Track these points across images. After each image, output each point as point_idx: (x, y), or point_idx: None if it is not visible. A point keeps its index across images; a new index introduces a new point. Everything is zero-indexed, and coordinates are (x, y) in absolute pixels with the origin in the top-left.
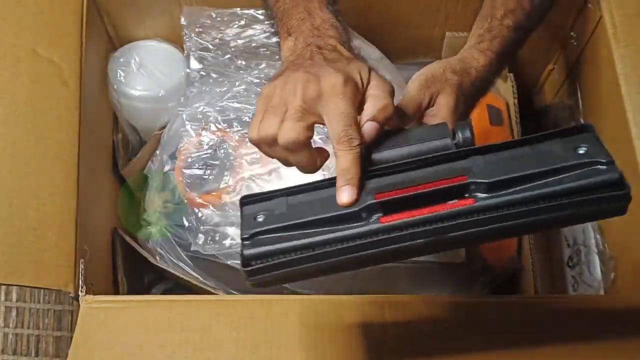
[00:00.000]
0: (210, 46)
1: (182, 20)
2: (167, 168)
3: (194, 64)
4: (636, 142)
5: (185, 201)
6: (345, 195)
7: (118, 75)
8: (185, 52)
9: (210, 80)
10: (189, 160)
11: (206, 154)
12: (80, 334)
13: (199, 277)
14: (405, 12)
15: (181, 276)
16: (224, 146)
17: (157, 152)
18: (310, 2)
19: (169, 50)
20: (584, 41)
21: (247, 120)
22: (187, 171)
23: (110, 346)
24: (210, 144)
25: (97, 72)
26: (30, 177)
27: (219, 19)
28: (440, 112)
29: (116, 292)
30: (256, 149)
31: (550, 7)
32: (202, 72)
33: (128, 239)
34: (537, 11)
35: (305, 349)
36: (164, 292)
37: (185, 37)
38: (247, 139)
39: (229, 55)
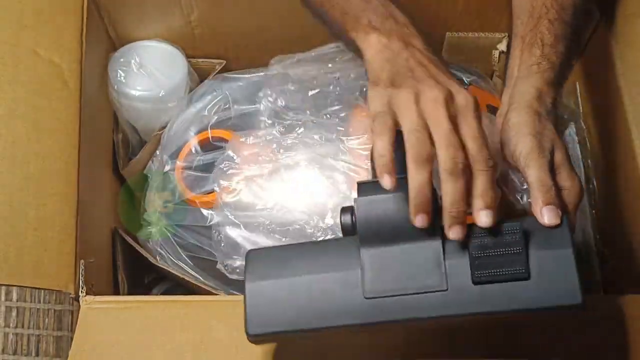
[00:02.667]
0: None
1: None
2: (167, 168)
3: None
4: (636, 142)
5: (185, 201)
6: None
7: (118, 75)
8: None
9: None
10: (190, 160)
11: (207, 154)
12: (81, 334)
13: (199, 277)
14: (405, 13)
15: (181, 276)
16: (225, 146)
17: (158, 152)
18: None
19: (169, 50)
20: (584, 41)
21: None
22: (188, 171)
23: (110, 346)
24: (212, 143)
25: (97, 72)
26: (30, 177)
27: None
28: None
29: (116, 292)
30: (256, 149)
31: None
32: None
33: (128, 239)
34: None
35: (306, 349)
36: (164, 292)
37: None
38: (247, 139)
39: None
